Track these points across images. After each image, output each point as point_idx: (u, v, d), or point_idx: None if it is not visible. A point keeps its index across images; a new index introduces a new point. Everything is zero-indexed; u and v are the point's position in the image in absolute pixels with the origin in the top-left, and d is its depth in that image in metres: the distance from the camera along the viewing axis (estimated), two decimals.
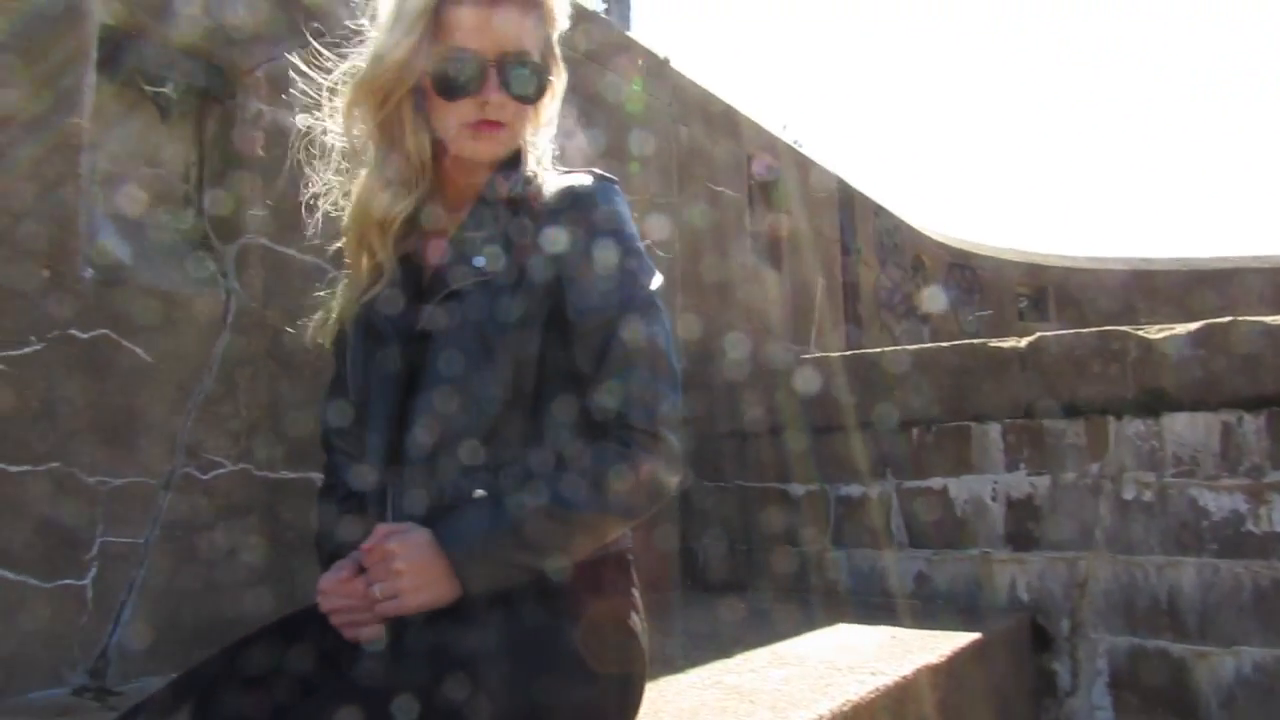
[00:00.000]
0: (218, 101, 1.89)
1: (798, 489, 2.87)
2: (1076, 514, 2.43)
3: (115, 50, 1.72)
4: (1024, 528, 2.51)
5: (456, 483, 1.00)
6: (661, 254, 2.99)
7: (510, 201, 1.06)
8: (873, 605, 2.55)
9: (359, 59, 1.09)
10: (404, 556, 0.94)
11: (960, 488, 2.61)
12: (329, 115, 1.12)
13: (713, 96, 3.66)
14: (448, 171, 1.09)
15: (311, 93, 1.12)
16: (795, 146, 4.37)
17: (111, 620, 1.61)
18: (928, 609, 2.50)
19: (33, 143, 1.54)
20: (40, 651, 1.51)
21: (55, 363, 1.55)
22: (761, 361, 3.22)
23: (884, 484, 2.73)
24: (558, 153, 1.15)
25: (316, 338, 1.18)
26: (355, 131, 1.10)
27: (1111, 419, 2.40)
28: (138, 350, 1.67)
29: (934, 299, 5.51)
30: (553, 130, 1.14)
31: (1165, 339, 2.33)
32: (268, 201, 1.86)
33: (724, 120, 3.72)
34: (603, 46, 2.99)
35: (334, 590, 0.98)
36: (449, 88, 1.03)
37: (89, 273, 1.61)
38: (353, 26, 1.10)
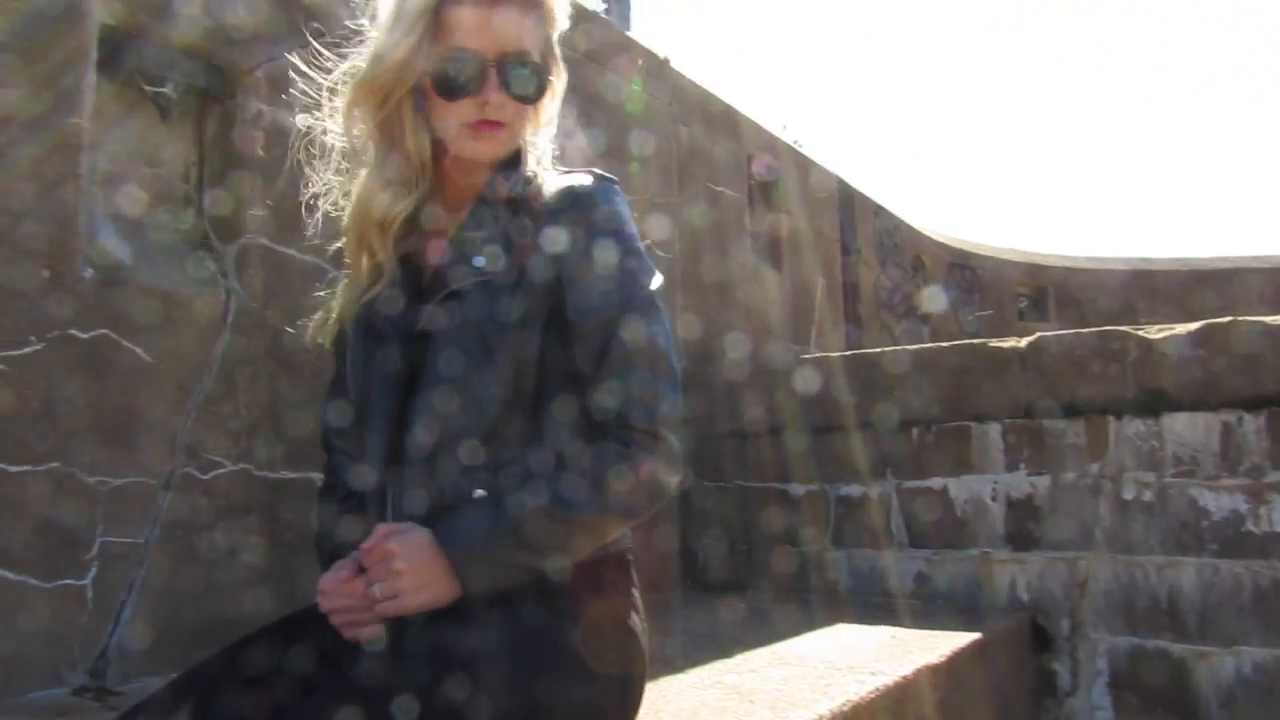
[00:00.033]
0: (218, 101, 1.89)
1: (798, 489, 2.87)
2: (1076, 514, 2.43)
3: (115, 50, 1.72)
4: (1024, 528, 2.51)
5: (456, 483, 1.00)
6: (661, 254, 2.99)
7: (510, 201, 1.06)
8: (872, 605, 2.55)
9: (359, 59, 1.09)
10: (404, 556, 0.94)
11: (960, 488, 2.61)
12: (329, 115, 1.12)
13: (713, 96, 3.66)
14: (447, 171, 1.09)
15: (311, 93, 1.12)
16: (795, 146, 4.37)
17: (111, 620, 1.61)
18: (928, 609, 2.50)
19: (33, 143, 1.54)
20: (40, 651, 1.51)
21: (55, 363, 1.55)
22: (761, 361, 3.22)
23: (884, 484, 2.73)
24: (558, 153, 1.15)
25: (317, 338, 1.18)
26: (355, 131, 1.10)
27: (1111, 419, 2.40)
28: (138, 350, 1.67)
29: (934, 299, 5.51)
30: (553, 130, 1.14)
31: (1165, 339, 2.33)
32: (268, 201, 1.86)
33: (724, 120, 3.72)
34: (602, 46, 2.99)
35: (334, 590, 0.98)
36: (449, 88, 1.03)
37: (89, 273, 1.61)
38: (353, 26, 1.10)
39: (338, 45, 1.11)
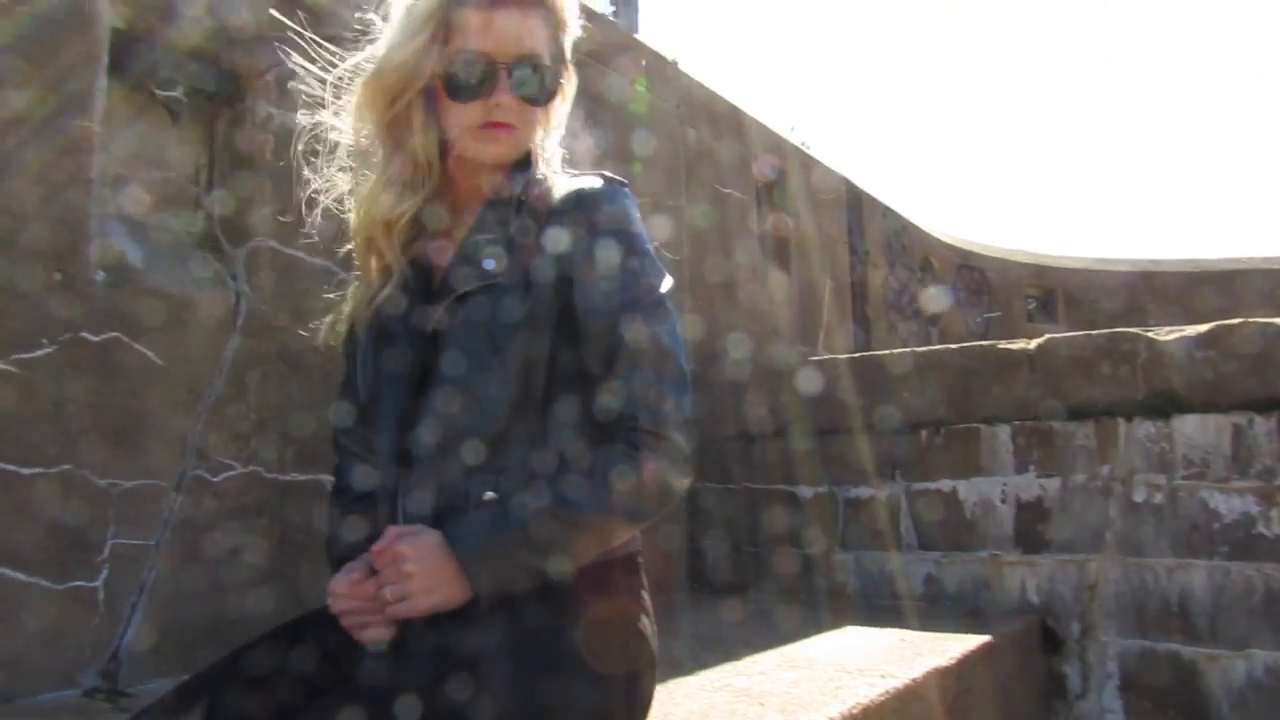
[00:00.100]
0: (228, 105, 1.90)
1: (806, 491, 2.87)
2: (1086, 516, 2.42)
3: (125, 53, 1.72)
4: (1034, 530, 2.50)
5: (465, 484, 1.00)
6: (669, 255, 2.99)
7: (520, 204, 1.06)
8: (881, 607, 2.55)
9: (364, 55, 1.09)
10: (415, 559, 0.95)
11: (970, 489, 2.60)
12: (334, 114, 1.12)
13: (720, 98, 3.66)
14: (454, 173, 1.09)
15: (316, 92, 1.12)
16: (803, 148, 4.37)
17: (123, 622, 1.61)
18: (937, 611, 2.49)
19: (44, 146, 1.55)
20: (52, 653, 1.52)
21: (66, 365, 1.55)
22: (768, 363, 3.22)
23: (893, 486, 2.72)
24: (566, 155, 1.15)
25: (329, 340, 1.19)
26: (363, 132, 1.10)
27: (1121, 421, 2.39)
28: (148, 353, 1.67)
29: (936, 299, 5.50)
30: (562, 133, 1.14)
31: (1175, 340, 2.32)
32: (277, 204, 1.87)
33: (730, 121, 3.72)
34: (606, 47, 2.99)
35: (345, 592, 0.98)
36: (459, 89, 1.03)
37: (100, 275, 1.62)
38: (359, 24, 1.10)
39: (342, 45, 1.12)
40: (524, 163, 1.09)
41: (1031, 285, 6.48)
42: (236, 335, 1.82)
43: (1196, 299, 6.08)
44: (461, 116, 1.05)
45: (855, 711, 1.44)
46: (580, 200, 1.04)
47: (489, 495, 0.99)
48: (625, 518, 1.00)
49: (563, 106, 1.12)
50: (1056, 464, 2.47)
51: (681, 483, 1.00)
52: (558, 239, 1.02)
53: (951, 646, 1.92)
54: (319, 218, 1.14)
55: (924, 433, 2.68)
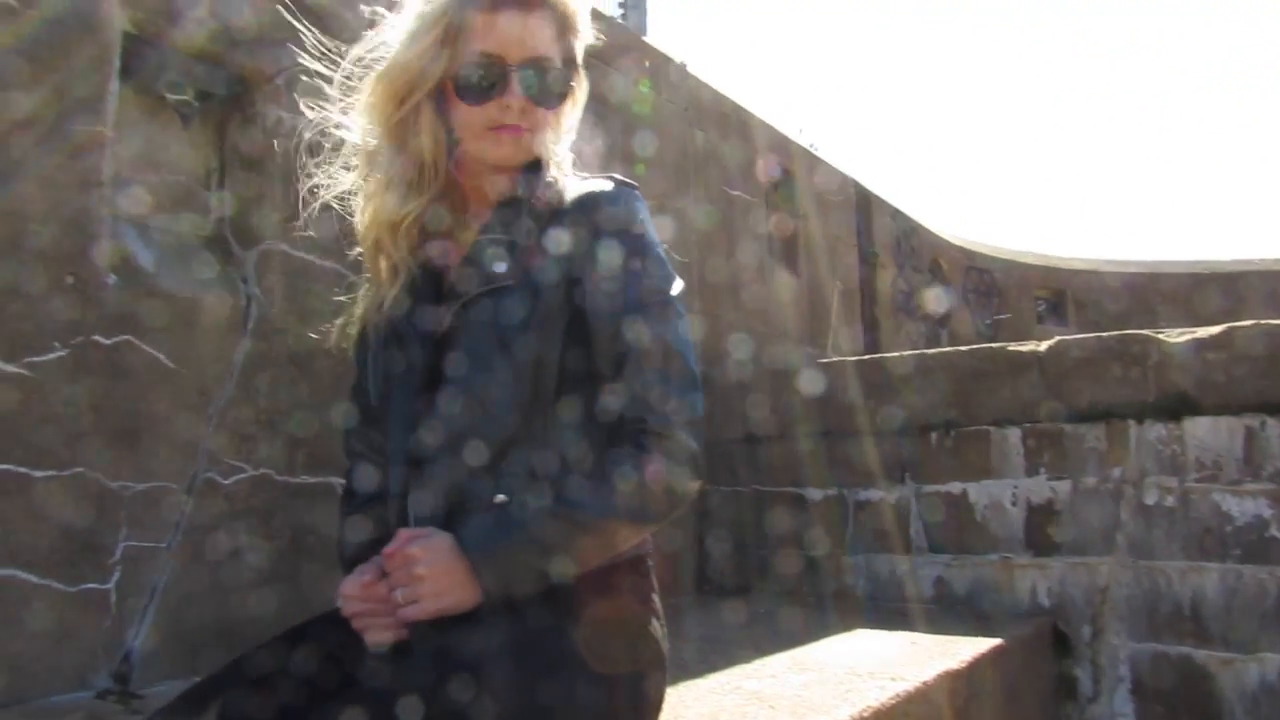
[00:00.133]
0: (237, 108, 1.90)
1: (814, 493, 2.86)
2: (1097, 519, 2.41)
3: (134, 56, 1.73)
4: (1044, 533, 2.49)
5: (476, 486, 1.00)
6: (677, 257, 2.99)
7: (530, 207, 1.06)
8: (890, 610, 2.54)
9: (368, 46, 1.10)
10: (426, 561, 0.95)
11: (980, 492, 2.59)
12: (343, 112, 1.12)
13: (726, 99, 3.66)
14: (460, 175, 1.09)
15: (321, 89, 1.12)
16: (810, 150, 4.36)
17: (134, 624, 1.62)
18: (947, 614, 2.48)
19: (56, 150, 1.56)
20: (64, 654, 1.52)
21: (78, 368, 1.56)
22: (775, 365, 3.21)
23: (903, 488, 2.71)
24: (574, 158, 1.15)
25: (339, 343, 1.19)
26: (371, 132, 1.10)
27: (1132, 423, 2.38)
28: (160, 356, 1.68)
29: (938, 299, 5.49)
30: (572, 137, 1.14)
31: (1186, 342, 2.30)
32: (287, 207, 1.87)
33: (738, 123, 3.72)
34: (611, 48, 2.99)
35: (356, 595, 0.98)
36: (470, 91, 1.04)
37: (111, 279, 1.62)
38: (368, 16, 1.10)
39: (346, 44, 1.12)
40: (533, 165, 1.09)
41: (1041, 287, 6.46)
42: (246, 338, 1.82)
43: (1201, 300, 6.05)
44: (470, 118, 1.05)
45: (866, 714, 1.43)
46: (594, 204, 1.04)
47: (500, 498, 0.99)
48: (630, 520, 1.00)
49: (574, 111, 1.12)
50: (1067, 466, 2.46)
51: (690, 484, 1.00)
52: (561, 240, 1.03)
53: (962, 649, 1.92)
54: (316, 211, 1.14)
55: (933, 435, 2.67)
